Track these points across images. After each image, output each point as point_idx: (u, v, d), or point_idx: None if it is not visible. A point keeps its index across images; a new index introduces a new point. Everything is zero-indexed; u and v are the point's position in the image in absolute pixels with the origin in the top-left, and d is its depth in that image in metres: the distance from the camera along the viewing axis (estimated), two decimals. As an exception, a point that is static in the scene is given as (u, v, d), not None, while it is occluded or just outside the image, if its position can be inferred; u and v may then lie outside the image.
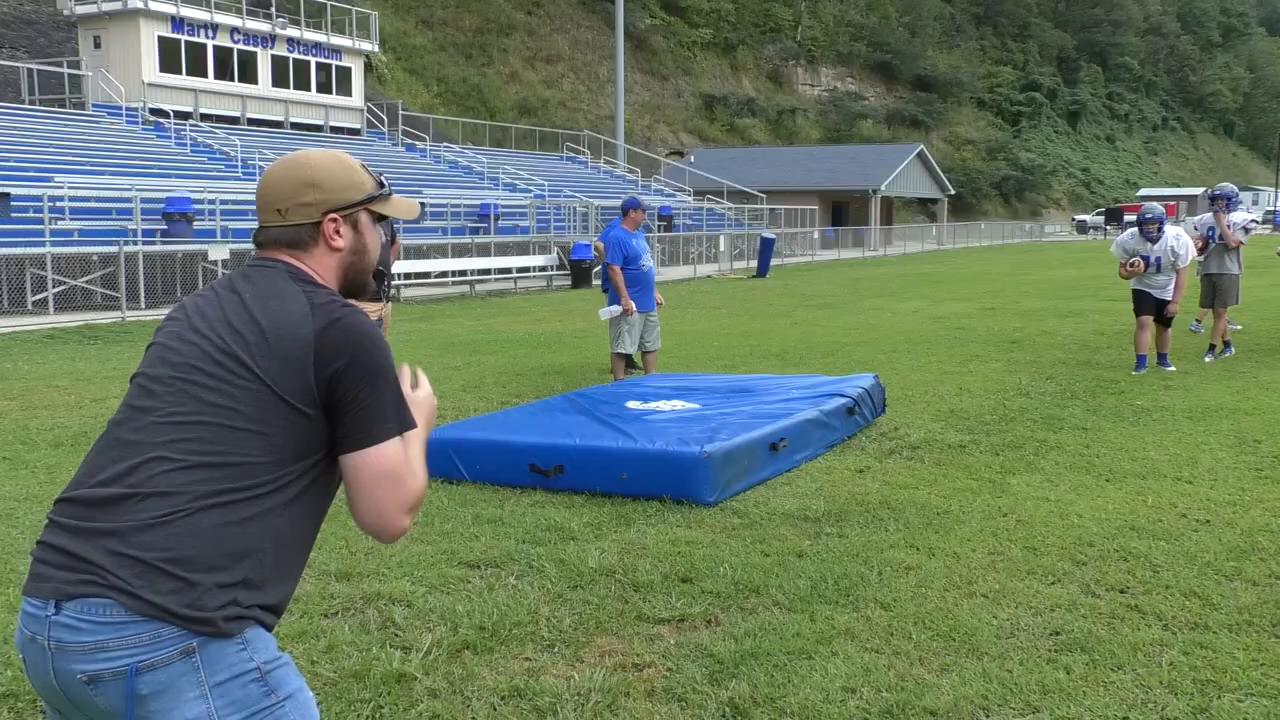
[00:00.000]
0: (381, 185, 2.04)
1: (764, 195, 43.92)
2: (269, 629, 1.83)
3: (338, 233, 1.95)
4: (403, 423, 1.87)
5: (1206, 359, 10.75)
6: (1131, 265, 9.82)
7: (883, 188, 51.45)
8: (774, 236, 30.11)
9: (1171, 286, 9.92)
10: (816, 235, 43.53)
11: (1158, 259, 9.77)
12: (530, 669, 3.59)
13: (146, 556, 1.71)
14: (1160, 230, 9.75)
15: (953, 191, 62.29)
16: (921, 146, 57.88)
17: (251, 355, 1.82)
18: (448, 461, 6.08)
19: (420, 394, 2.03)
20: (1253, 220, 11.09)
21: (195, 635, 1.69)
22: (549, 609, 4.13)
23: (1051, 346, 12.26)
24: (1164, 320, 10.08)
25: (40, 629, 1.71)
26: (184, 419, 1.80)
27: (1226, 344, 11.05)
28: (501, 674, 3.56)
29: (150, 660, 1.67)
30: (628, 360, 10.95)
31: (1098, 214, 73.73)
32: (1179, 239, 9.82)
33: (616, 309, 9.00)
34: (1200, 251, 10.89)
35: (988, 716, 3.24)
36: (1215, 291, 10.83)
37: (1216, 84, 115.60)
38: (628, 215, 9.34)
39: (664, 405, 6.89)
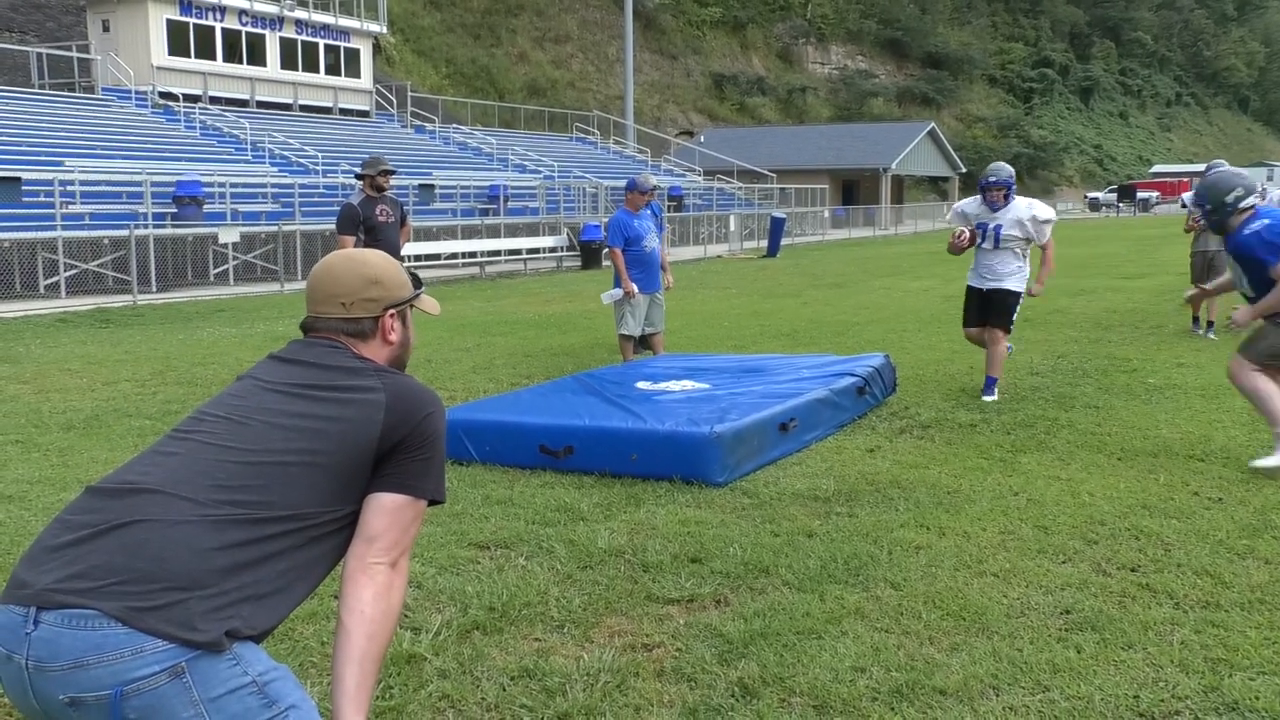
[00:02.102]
0: (418, 283, 2.24)
1: (774, 175, 43.76)
2: (257, 643, 1.79)
3: (392, 328, 2.14)
4: (438, 491, 2.06)
5: (1212, 336, 10.74)
6: (959, 237, 7.66)
7: (893, 166, 51.19)
8: (784, 216, 30.00)
9: (1018, 274, 7.70)
10: (827, 214, 43.37)
11: (997, 228, 7.60)
12: (540, 649, 3.60)
13: (143, 561, 1.67)
14: (1007, 199, 7.60)
15: (964, 169, 61.95)
16: (932, 124, 57.56)
17: (316, 407, 1.93)
18: (457, 443, 6.09)
19: None
20: None
21: (186, 651, 1.64)
22: (558, 589, 4.13)
23: (1063, 325, 12.20)
24: (1002, 324, 7.69)
25: (18, 646, 1.65)
26: (233, 445, 1.86)
27: (1210, 324, 10.92)
28: (511, 654, 3.56)
29: (136, 684, 1.61)
30: (638, 341, 10.92)
31: (1110, 191, 73.27)
32: (1034, 208, 7.68)
33: (618, 292, 8.92)
34: (1193, 228, 10.76)
35: (998, 695, 3.24)
36: (1211, 269, 10.69)
37: (1231, 58, 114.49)
38: (628, 196, 9.24)
39: (674, 385, 6.88)
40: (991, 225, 7.64)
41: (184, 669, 1.63)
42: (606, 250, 9.22)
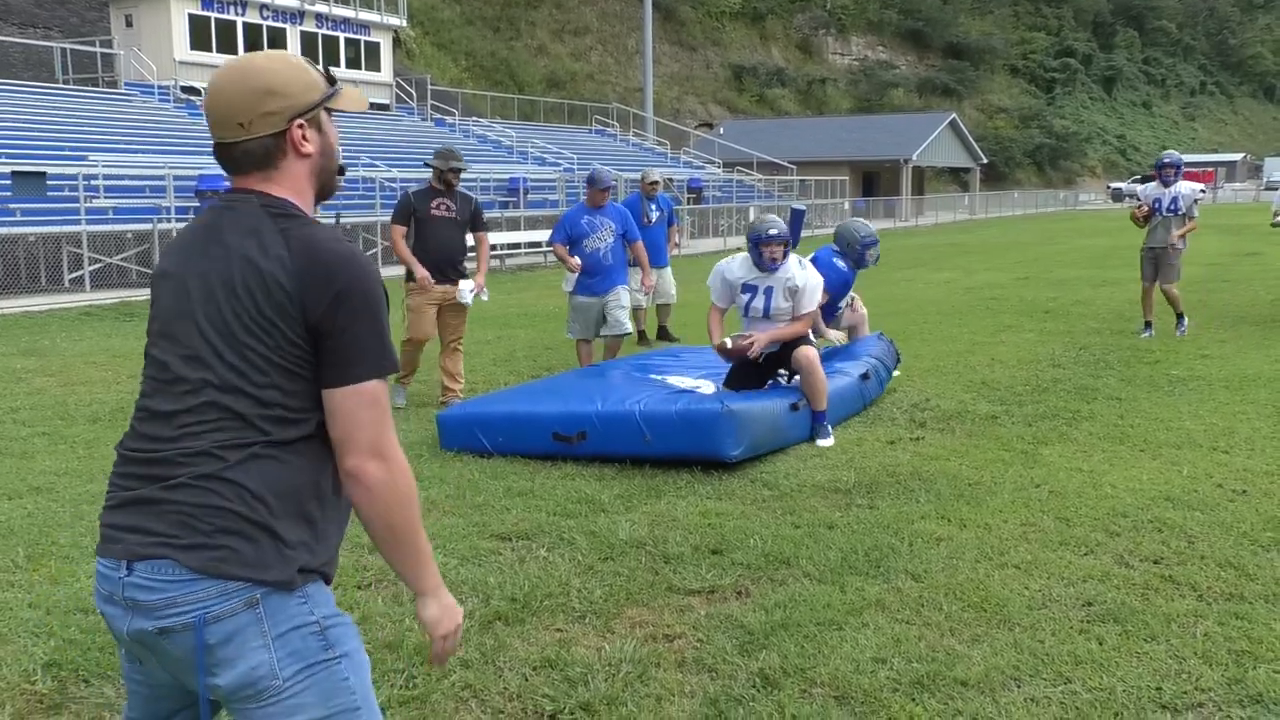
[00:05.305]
0: (331, 80, 1.93)
1: (794, 166, 43.63)
2: (327, 582, 1.86)
3: (305, 138, 1.87)
4: (379, 365, 1.80)
5: (1179, 332, 10.32)
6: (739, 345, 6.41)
7: (914, 157, 50.93)
8: (804, 208, 29.83)
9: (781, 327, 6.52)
10: (847, 206, 43.21)
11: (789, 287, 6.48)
12: (561, 640, 3.62)
13: (204, 515, 1.74)
14: (784, 259, 6.47)
15: (985, 160, 61.55)
16: (953, 115, 57.20)
17: (250, 306, 1.77)
18: (471, 436, 6.12)
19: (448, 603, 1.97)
20: (1201, 190, 10.51)
21: (261, 586, 1.74)
22: (580, 581, 4.15)
23: (1085, 316, 12.13)
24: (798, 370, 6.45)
25: (115, 589, 1.77)
26: (208, 381, 1.79)
27: (1176, 319, 10.41)
28: (533, 645, 3.59)
29: (217, 612, 1.72)
30: (639, 335, 10.92)
31: (1134, 181, 72.58)
32: (804, 270, 6.55)
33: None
34: (1144, 222, 10.16)
35: (1019, 687, 3.24)
36: (1159, 267, 10.15)
37: (1257, 46, 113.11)
38: (587, 191, 8.37)
39: (684, 381, 6.83)
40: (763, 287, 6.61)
41: (258, 600, 1.73)
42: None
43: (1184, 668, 3.34)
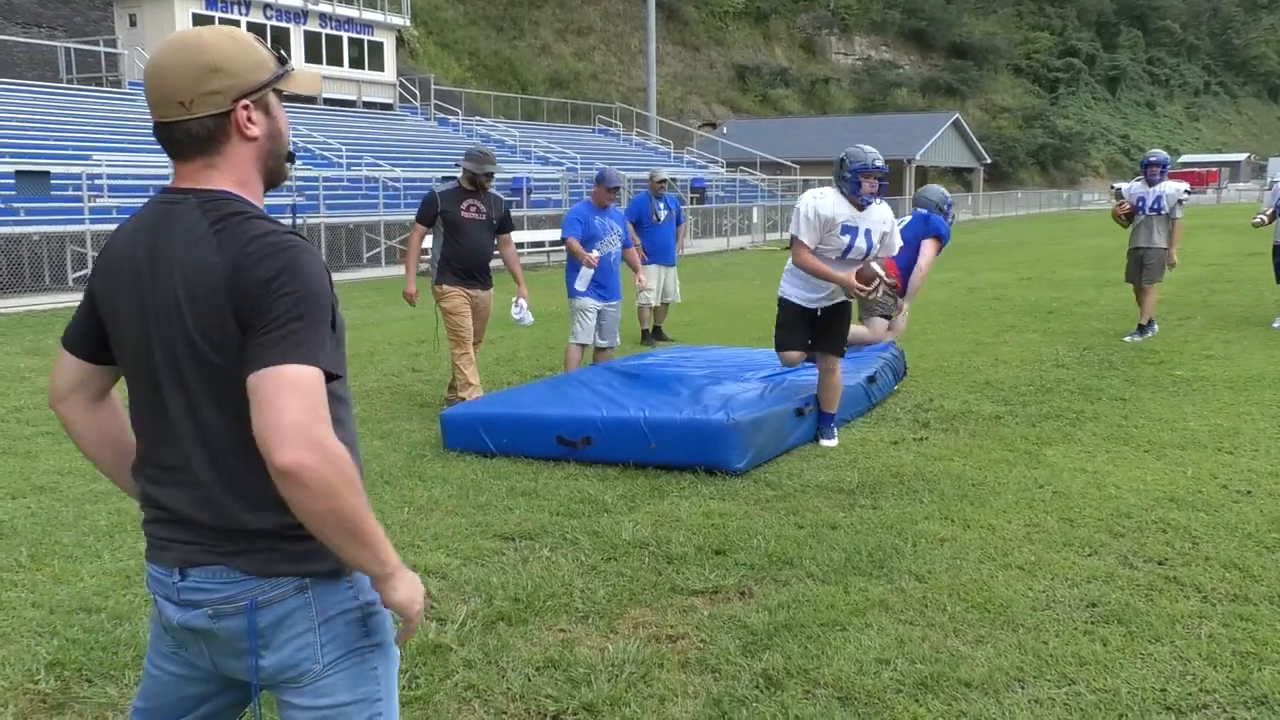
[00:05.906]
0: (282, 60, 1.82)
1: (797, 166, 43.62)
2: None
3: (250, 120, 1.75)
4: (310, 355, 1.61)
5: (1129, 339, 10.19)
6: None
7: (918, 157, 50.93)
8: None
9: None
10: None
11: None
12: (564, 640, 3.62)
13: (244, 527, 1.74)
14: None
15: (989, 160, 61.51)
16: (957, 115, 57.17)
17: (204, 335, 1.69)
18: (475, 437, 6.12)
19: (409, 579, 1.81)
20: (1185, 191, 10.33)
21: (308, 576, 1.76)
22: (583, 581, 4.15)
23: (1089, 316, 12.12)
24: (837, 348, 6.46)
25: (171, 592, 1.79)
26: (192, 416, 1.78)
27: (1150, 323, 10.27)
28: (536, 645, 3.58)
29: (268, 598, 1.74)
30: (643, 334, 10.93)
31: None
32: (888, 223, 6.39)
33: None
34: (1127, 221, 10.04)
35: (1023, 688, 3.23)
36: (1142, 267, 10.09)
37: (1262, 46, 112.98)
38: (595, 189, 8.11)
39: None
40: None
41: (308, 586, 1.76)
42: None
43: (1189, 669, 3.33)
